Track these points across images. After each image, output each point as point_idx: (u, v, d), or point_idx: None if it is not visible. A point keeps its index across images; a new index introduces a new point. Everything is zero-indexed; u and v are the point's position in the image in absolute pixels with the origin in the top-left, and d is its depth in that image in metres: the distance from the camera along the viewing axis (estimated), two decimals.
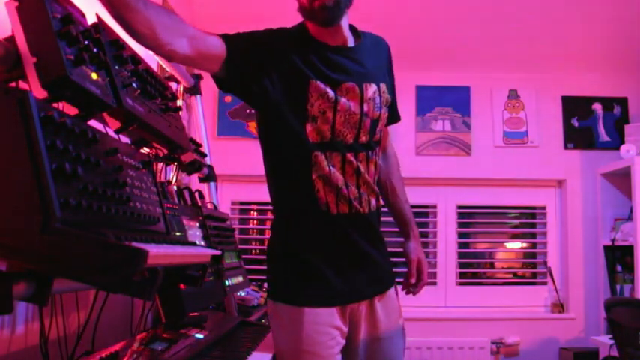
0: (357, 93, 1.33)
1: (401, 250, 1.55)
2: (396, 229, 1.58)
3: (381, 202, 1.47)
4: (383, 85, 1.41)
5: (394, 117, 1.54)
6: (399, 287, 1.50)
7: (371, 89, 1.36)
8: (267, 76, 1.28)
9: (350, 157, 1.32)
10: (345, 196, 1.32)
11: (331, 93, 1.29)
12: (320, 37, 1.34)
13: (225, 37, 1.25)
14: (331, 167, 1.31)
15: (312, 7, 1.26)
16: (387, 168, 1.55)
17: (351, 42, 1.38)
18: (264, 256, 1.45)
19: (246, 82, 1.28)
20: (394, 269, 1.49)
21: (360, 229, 1.36)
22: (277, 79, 1.29)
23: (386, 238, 1.46)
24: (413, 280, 1.50)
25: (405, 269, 1.52)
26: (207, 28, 1.24)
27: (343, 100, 1.31)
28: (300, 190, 1.32)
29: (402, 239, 1.57)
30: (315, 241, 1.34)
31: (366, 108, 1.34)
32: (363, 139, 1.35)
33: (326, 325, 1.30)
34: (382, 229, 1.45)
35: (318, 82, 1.29)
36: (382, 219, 1.45)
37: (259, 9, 2.99)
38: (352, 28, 1.41)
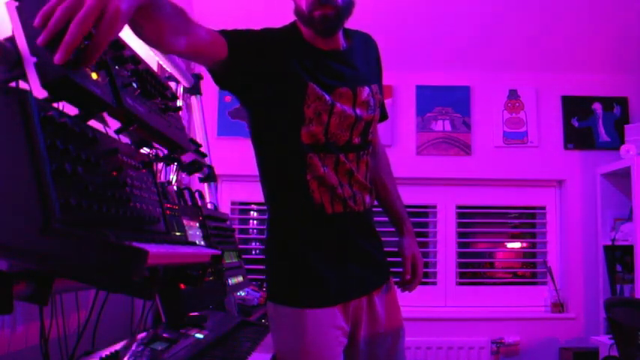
0: (350, 97, 1.34)
1: (396, 249, 1.55)
2: (391, 229, 1.58)
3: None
4: (375, 87, 1.42)
5: (383, 115, 1.54)
6: (396, 286, 1.50)
7: (364, 92, 1.37)
8: (265, 76, 1.28)
9: (342, 157, 1.33)
10: (340, 196, 1.32)
11: (327, 97, 1.29)
12: (313, 41, 1.33)
13: (227, 35, 1.23)
14: (325, 168, 1.31)
15: (311, 15, 1.26)
16: (377, 166, 1.55)
17: (343, 45, 1.38)
18: (264, 257, 1.45)
19: (245, 82, 1.28)
20: (391, 269, 1.48)
21: (356, 226, 1.37)
22: (275, 80, 1.28)
23: (382, 238, 1.46)
24: (408, 277, 1.50)
25: (401, 269, 1.52)
26: (207, 26, 1.23)
27: (339, 104, 1.31)
28: (294, 190, 1.33)
29: (396, 239, 1.57)
30: (312, 241, 1.34)
31: (359, 111, 1.35)
32: (356, 140, 1.36)
33: (328, 326, 1.30)
34: (378, 229, 1.45)
35: (315, 86, 1.29)
36: (376, 218, 1.45)
37: (259, 8, 2.99)
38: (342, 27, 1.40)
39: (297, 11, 1.30)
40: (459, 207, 3.63)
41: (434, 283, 3.57)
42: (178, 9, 1.03)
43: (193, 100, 2.38)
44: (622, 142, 3.42)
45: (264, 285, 2.57)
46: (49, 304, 1.22)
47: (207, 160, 2.10)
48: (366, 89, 1.37)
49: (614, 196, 3.43)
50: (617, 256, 3.39)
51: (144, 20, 0.92)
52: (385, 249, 1.47)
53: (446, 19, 3.25)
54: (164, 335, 1.36)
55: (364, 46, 1.46)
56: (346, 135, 1.34)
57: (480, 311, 3.49)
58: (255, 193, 3.48)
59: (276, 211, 1.40)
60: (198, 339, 1.44)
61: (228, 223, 1.98)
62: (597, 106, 3.61)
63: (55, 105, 0.80)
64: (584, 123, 3.59)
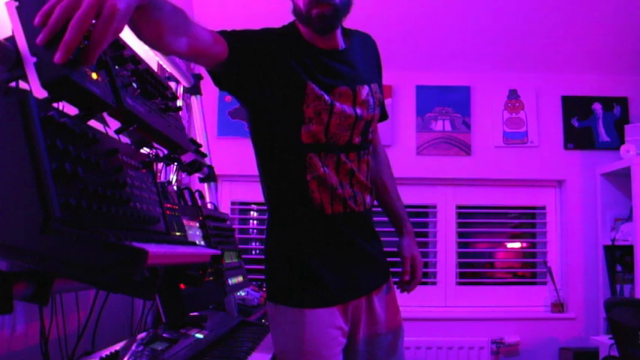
0: (349, 96, 1.33)
1: (396, 250, 1.55)
2: (391, 229, 1.58)
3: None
4: (375, 86, 1.41)
5: (383, 115, 1.54)
6: (394, 286, 1.50)
7: (364, 91, 1.36)
8: (265, 77, 1.28)
9: (343, 157, 1.33)
10: (340, 196, 1.32)
11: (327, 97, 1.29)
12: (312, 40, 1.33)
13: (226, 36, 1.23)
14: (325, 168, 1.31)
15: (309, 14, 1.26)
16: (377, 166, 1.55)
17: (342, 44, 1.38)
18: (264, 257, 1.45)
19: (245, 83, 1.28)
20: (391, 269, 1.48)
21: (355, 226, 1.36)
22: (274, 80, 1.28)
23: (382, 238, 1.46)
24: (407, 278, 1.50)
25: (400, 269, 1.52)
26: (207, 26, 1.23)
27: (338, 103, 1.31)
28: (294, 190, 1.32)
29: (396, 239, 1.57)
30: (312, 241, 1.33)
31: (359, 111, 1.35)
32: (356, 140, 1.36)
33: (327, 326, 1.30)
34: (378, 229, 1.45)
35: (314, 85, 1.29)
36: (376, 218, 1.45)
37: (259, 8, 2.99)
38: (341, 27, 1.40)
39: (295, 10, 1.31)
40: (459, 207, 3.63)
41: (434, 283, 3.57)
42: (178, 9, 1.03)
43: (193, 100, 2.38)
44: (622, 142, 3.42)
45: (264, 285, 2.57)
46: (49, 304, 1.22)
47: (207, 160, 2.10)
48: (366, 88, 1.37)
49: (614, 196, 3.43)
50: (617, 256, 3.39)
51: (143, 21, 0.92)
52: (385, 249, 1.47)
53: (446, 19, 3.25)
54: (164, 335, 1.36)
55: (363, 45, 1.46)
56: (346, 135, 1.33)
57: (480, 311, 3.49)
58: (255, 193, 3.49)
59: (275, 211, 1.40)
60: (199, 339, 1.44)
61: (228, 223, 1.98)
62: (597, 106, 3.61)
63: (55, 105, 0.80)
64: (584, 123, 3.59)
